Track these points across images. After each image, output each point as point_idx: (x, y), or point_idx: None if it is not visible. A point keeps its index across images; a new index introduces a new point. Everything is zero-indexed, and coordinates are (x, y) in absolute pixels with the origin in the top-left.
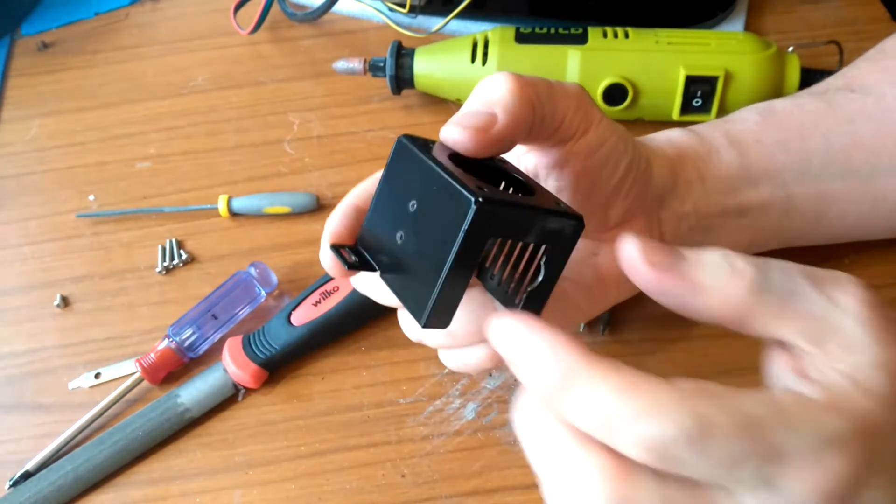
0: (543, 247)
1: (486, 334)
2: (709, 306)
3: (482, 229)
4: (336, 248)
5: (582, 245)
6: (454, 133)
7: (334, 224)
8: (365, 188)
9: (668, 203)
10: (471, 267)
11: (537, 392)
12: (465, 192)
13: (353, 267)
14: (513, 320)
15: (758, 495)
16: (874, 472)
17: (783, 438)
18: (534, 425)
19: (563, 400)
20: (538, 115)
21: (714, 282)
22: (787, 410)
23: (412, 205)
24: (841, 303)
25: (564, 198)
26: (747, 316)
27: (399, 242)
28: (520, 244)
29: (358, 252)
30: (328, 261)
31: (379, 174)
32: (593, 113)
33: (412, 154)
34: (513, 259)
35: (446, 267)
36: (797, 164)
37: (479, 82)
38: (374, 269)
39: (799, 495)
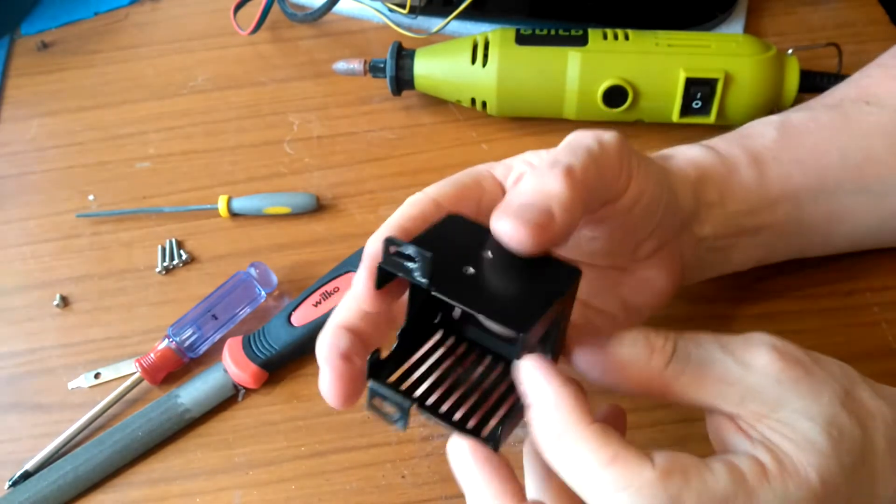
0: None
1: (515, 370)
2: (632, 379)
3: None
4: (390, 241)
5: (607, 276)
6: (509, 228)
7: (406, 213)
8: (454, 186)
9: (689, 228)
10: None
11: (534, 430)
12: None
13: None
14: (534, 365)
15: None
16: None
17: None
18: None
19: (554, 449)
20: (591, 203)
21: (634, 357)
22: (751, 485)
23: (486, 254)
24: (754, 364)
25: (598, 245)
26: (669, 385)
27: (467, 272)
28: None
29: (408, 257)
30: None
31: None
32: (632, 165)
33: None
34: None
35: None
36: (814, 183)
37: (529, 173)
38: (422, 283)
39: None
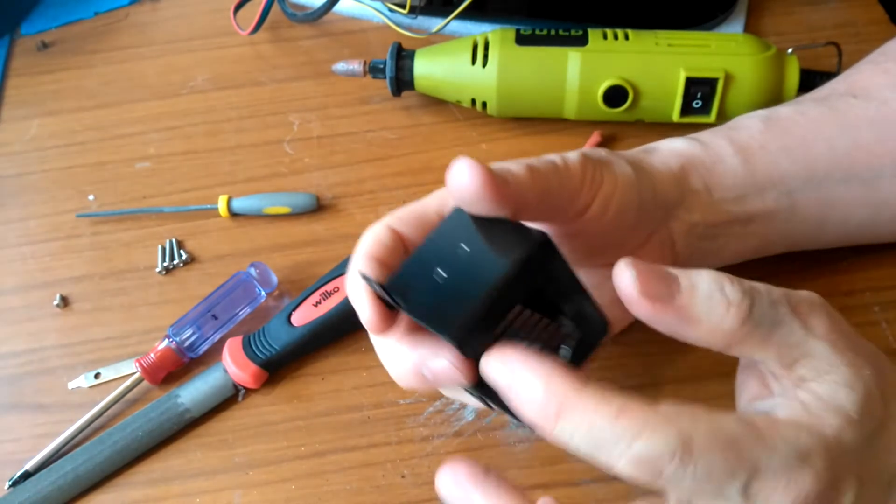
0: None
1: (483, 368)
2: (701, 336)
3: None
4: (367, 278)
5: (601, 273)
6: (464, 173)
7: (367, 248)
8: (410, 211)
9: (676, 214)
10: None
11: (533, 419)
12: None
13: (385, 299)
14: (508, 354)
15: None
16: (840, 483)
17: (758, 455)
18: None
19: (559, 426)
20: (546, 201)
21: (708, 314)
22: (761, 429)
23: (461, 249)
24: (815, 329)
25: (581, 250)
26: (734, 344)
27: (437, 279)
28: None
29: (385, 290)
30: (359, 292)
31: (425, 199)
32: (597, 179)
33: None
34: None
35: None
36: (802, 170)
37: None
38: (396, 307)
39: None
